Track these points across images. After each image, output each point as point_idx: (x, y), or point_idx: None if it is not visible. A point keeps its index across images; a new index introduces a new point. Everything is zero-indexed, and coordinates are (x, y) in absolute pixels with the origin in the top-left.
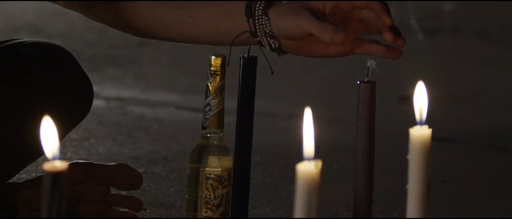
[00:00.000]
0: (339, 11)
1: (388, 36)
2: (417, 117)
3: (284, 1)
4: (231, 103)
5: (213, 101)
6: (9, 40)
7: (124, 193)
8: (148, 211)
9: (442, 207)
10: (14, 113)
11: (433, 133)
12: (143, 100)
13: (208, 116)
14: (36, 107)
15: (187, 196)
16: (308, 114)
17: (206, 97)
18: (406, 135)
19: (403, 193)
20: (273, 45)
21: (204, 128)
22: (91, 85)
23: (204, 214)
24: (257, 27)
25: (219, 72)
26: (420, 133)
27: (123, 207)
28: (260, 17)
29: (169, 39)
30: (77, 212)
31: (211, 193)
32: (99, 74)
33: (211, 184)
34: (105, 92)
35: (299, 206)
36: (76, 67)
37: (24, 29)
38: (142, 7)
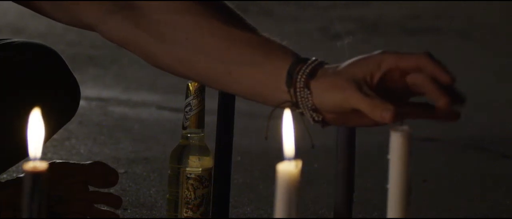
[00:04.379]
0: (386, 78)
1: (443, 103)
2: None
3: (327, 72)
4: (212, 103)
5: (194, 101)
6: None
7: (107, 191)
8: (129, 211)
9: (423, 207)
10: (1, 113)
11: (413, 132)
12: (124, 100)
13: (188, 116)
14: (24, 108)
15: (168, 196)
16: (288, 114)
17: (187, 97)
18: (387, 135)
19: (384, 193)
20: (316, 118)
21: (184, 128)
22: (78, 86)
23: (185, 214)
24: (299, 99)
25: None
26: (400, 132)
27: (103, 204)
28: (301, 90)
29: (207, 86)
30: (58, 211)
31: (192, 193)
32: (80, 74)
33: (192, 184)
34: (86, 93)
35: (280, 206)
36: (64, 68)
37: (5, 30)
38: (182, 59)
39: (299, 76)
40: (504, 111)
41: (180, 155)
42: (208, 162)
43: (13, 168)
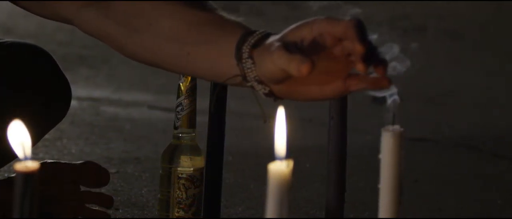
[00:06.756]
0: (322, 48)
1: (359, 67)
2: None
3: (268, 41)
4: (203, 103)
5: (185, 101)
6: None
7: (99, 191)
8: (120, 211)
9: (415, 207)
10: None
11: (405, 132)
12: (115, 100)
13: (180, 116)
14: (15, 109)
15: (159, 196)
16: (281, 113)
17: (178, 97)
18: (378, 134)
19: (375, 193)
20: (263, 90)
21: (176, 127)
22: (70, 87)
23: (176, 214)
24: (245, 71)
25: None
26: (391, 132)
27: (94, 204)
28: (246, 60)
29: (171, 71)
30: (49, 211)
31: (183, 193)
32: (71, 75)
33: (183, 184)
34: (77, 93)
35: (271, 206)
36: (55, 68)
37: None
38: (148, 46)
39: (244, 48)
40: (495, 110)
41: (171, 154)
42: (199, 161)
43: (5, 168)
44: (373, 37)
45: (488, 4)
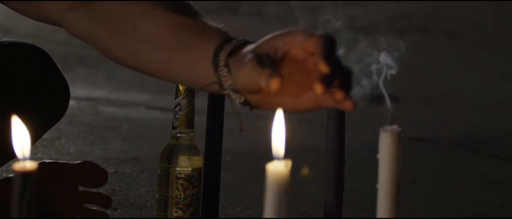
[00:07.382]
0: (295, 60)
1: (316, 87)
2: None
3: (244, 50)
4: (201, 103)
5: (183, 101)
6: None
7: (97, 191)
8: (118, 211)
9: (413, 207)
10: None
11: (403, 132)
12: (113, 100)
13: (178, 116)
14: (14, 108)
15: (157, 196)
16: (280, 114)
17: (176, 97)
18: (376, 134)
19: (373, 193)
20: (239, 99)
21: (174, 127)
22: (68, 86)
23: (175, 214)
24: (221, 79)
25: None
26: (389, 132)
27: (93, 204)
28: (222, 68)
29: (154, 77)
30: (48, 211)
31: (181, 193)
32: (70, 74)
33: (182, 184)
34: (76, 92)
35: (269, 206)
36: (53, 68)
37: None
38: (131, 51)
39: (221, 55)
40: (495, 110)
41: (169, 154)
42: (198, 161)
43: (3, 168)
44: (341, 54)
45: (488, 4)
